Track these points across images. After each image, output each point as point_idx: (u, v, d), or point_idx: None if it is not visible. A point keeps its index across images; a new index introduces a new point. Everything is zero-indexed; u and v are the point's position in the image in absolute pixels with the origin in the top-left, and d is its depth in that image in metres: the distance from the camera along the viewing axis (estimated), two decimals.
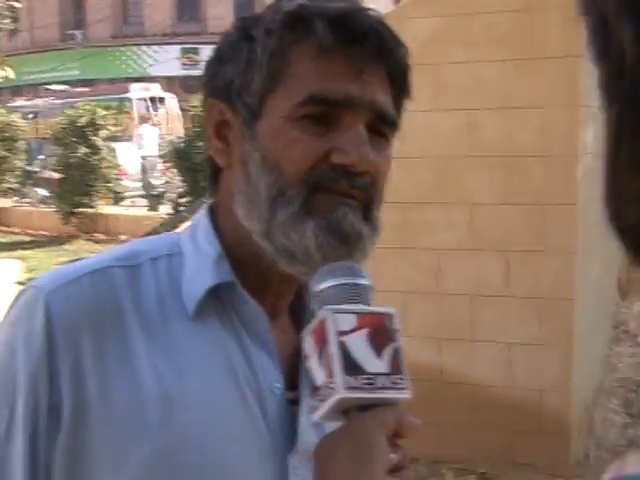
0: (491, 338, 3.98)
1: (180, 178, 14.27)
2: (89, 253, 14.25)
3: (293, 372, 1.03)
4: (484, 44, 3.84)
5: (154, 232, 9.90)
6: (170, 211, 14.33)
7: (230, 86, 1.02)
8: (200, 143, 13.67)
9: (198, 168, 13.63)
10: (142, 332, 0.98)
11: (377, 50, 1.00)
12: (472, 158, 3.92)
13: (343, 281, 0.90)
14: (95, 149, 15.70)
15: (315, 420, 0.89)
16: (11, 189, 18.43)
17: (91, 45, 40.16)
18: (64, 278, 1.01)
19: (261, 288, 1.03)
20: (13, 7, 19.10)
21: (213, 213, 1.07)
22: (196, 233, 1.06)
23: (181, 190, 14.38)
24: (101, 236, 15.62)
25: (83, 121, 15.64)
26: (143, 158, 18.41)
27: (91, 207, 15.91)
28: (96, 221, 15.93)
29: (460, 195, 3.96)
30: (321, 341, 0.87)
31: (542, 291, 3.86)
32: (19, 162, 18.36)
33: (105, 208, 16.31)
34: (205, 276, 1.01)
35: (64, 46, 41.46)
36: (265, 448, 0.99)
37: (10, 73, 18.14)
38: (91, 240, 15.46)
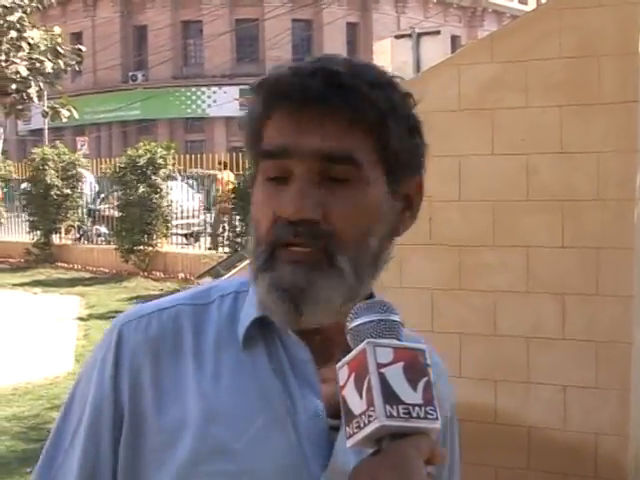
0: (546, 380, 3.99)
1: (239, 218, 14.41)
2: (147, 290, 14.44)
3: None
4: (540, 90, 3.90)
5: (212, 271, 10.04)
6: (228, 250, 14.48)
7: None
8: None
9: None
10: (194, 359, 1.12)
11: (322, 102, 1.04)
12: (528, 202, 3.96)
13: (377, 317, 0.97)
14: (154, 187, 15.96)
15: (349, 446, 0.95)
16: (72, 226, 18.77)
17: (152, 86, 40.87)
18: (138, 313, 1.17)
19: (306, 329, 1.11)
20: (80, 49, 19.64)
21: None
22: None
23: (239, 230, 14.52)
24: (159, 274, 15.82)
25: (143, 160, 15.91)
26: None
27: (150, 245, 16.12)
28: (155, 259, 16.14)
29: (516, 238, 3.99)
30: (360, 372, 0.94)
31: (598, 334, 3.87)
32: (81, 200, 18.71)
33: (164, 246, 16.53)
34: (253, 309, 1.13)
35: (126, 87, 42.26)
36: (297, 467, 1.06)
37: (75, 113, 18.62)
38: (150, 278, 15.67)
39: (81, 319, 12.04)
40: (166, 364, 1.12)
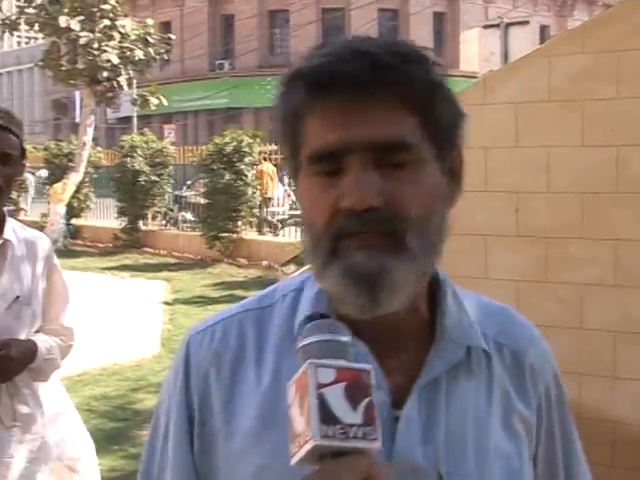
0: (634, 375, 3.94)
1: None
2: (231, 277, 14.64)
3: (405, 393, 1.12)
4: (632, 81, 3.84)
5: (297, 259, 10.10)
6: None
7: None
8: None
9: None
10: (256, 364, 1.15)
11: (363, 87, 1.02)
12: (618, 194, 3.90)
13: (327, 337, 0.98)
14: (240, 175, 16.13)
15: (293, 464, 0.95)
16: (159, 212, 19.11)
17: (238, 75, 41.23)
18: (206, 324, 1.21)
19: (357, 323, 1.09)
20: (169, 38, 19.95)
21: None
22: None
23: None
24: (244, 261, 16.00)
25: (229, 148, 16.09)
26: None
27: (235, 232, 16.31)
28: (239, 246, 16.34)
29: (605, 231, 3.95)
30: (302, 391, 0.95)
31: None
32: (168, 187, 19.03)
33: (249, 234, 16.71)
34: (307, 307, 1.15)
35: (213, 75, 42.72)
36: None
37: (163, 101, 18.93)
38: (234, 264, 15.86)
39: (167, 303, 12.27)
40: (230, 373, 1.16)
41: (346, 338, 1.00)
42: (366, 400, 0.95)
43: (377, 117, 1.03)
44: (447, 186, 1.11)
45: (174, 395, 1.20)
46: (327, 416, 0.93)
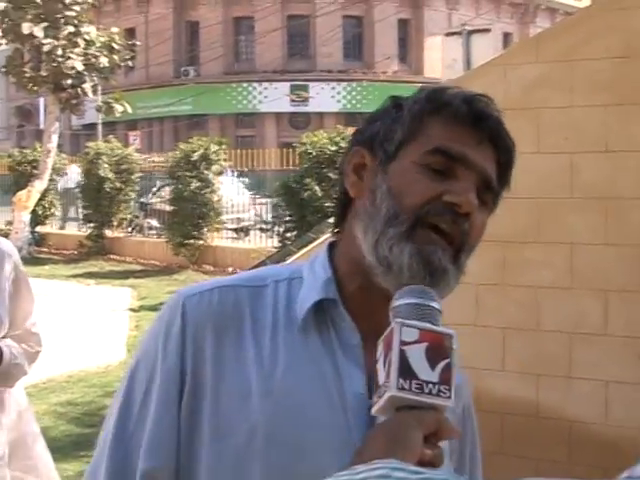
0: (588, 375, 4.04)
1: (288, 212, 14.54)
2: (197, 283, 14.62)
3: None
4: (585, 90, 3.95)
5: (262, 265, 10.17)
6: (277, 244, 14.62)
7: (375, 137, 1.27)
8: (308, 179, 13.96)
9: (305, 203, 13.89)
10: (253, 339, 1.23)
11: (495, 133, 1.25)
12: (573, 200, 4.02)
13: (417, 301, 1.08)
14: (206, 182, 16.14)
15: (373, 413, 1.06)
16: (124, 219, 19.06)
17: (203, 81, 41.15)
18: (201, 288, 1.29)
19: (363, 308, 1.25)
20: (134, 45, 19.91)
21: (331, 248, 1.32)
22: (314, 262, 1.31)
23: (289, 224, 14.65)
24: (209, 267, 16.02)
25: (197, 155, 16.10)
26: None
27: (200, 239, 16.32)
28: (205, 253, 16.35)
29: (560, 235, 4.05)
30: (387, 347, 1.05)
31: None
32: (133, 194, 18.98)
33: (214, 240, 16.72)
34: (314, 293, 1.25)
35: (178, 82, 42.59)
36: (342, 440, 1.18)
37: (128, 108, 18.88)
38: (200, 271, 15.87)
39: (133, 310, 12.28)
40: (227, 338, 1.23)
41: (435, 304, 1.09)
42: (444, 362, 1.03)
43: (489, 159, 1.25)
44: None
45: (165, 350, 1.24)
46: (405, 371, 1.02)
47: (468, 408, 1.40)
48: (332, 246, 1.32)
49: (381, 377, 1.05)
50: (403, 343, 1.03)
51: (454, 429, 1.06)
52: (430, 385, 1.02)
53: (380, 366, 1.05)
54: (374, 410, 1.05)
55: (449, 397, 1.03)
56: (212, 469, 1.20)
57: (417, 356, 1.03)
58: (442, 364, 1.03)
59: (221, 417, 1.20)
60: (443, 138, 1.22)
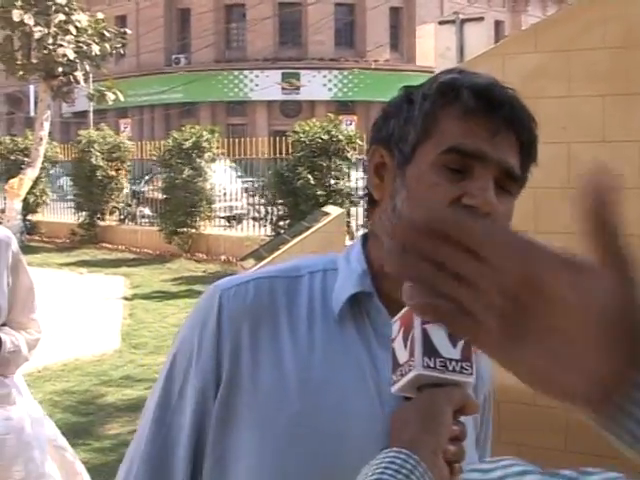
0: None
1: (281, 201, 14.56)
2: (190, 272, 14.65)
3: None
4: (583, 80, 3.97)
5: (256, 252, 10.16)
6: (270, 233, 14.64)
7: (391, 136, 1.26)
8: (300, 168, 13.97)
9: (298, 192, 13.91)
10: (289, 330, 1.25)
11: (510, 119, 1.21)
12: (570, 189, 4.04)
13: None
14: (199, 170, 16.14)
15: (393, 392, 1.07)
16: (117, 208, 19.04)
17: (195, 69, 41.07)
18: (237, 281, 1.30)
19: (398, 301, 1.25)
20: (125, 32, 19.84)
21: (366, 240, 1.33)
22: (350, 254, 1.32)
23: (281, 213, 14.67)
24: (202, 255, 16.03)
25: (189, 144, 16.09)
26: None
27: (193, 227, 16.32)
28: (198, 241, 16.35)
29: (557, 225, 4.07)
30: (407, 326, 1.06)
31: None
32: (125, 182, 18.96)
33: (207, 229, 16.72)
34: (350, 286, 1.26)
35: (169, 70, 42.50)
36: (380, 429, 1.18)
37: (120, 96, 18.84)
38: (192, 259, 15.88)
39: (126, 299, 12.28)
40: (263, 329, 1.25)
41: None
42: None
43: (508, 148, 1.21)
44: None
45: (202, 342, 1.26)
46: (429, 349, 1.03)
47: (487, 398, 1.41)
48: (366, 238, 1.33)
49: (402, 356, 1.06)
50: (425, 322, 1.04)
51: (478, 405, 1.09)
52: (453, 362, 1.04)
53: (398, 345, 1.07)
54: (395, 389, 1.06)
55: (471, 374, 1.05)
56: (251, 460, 1.22)
57: (439, 334, 1.04)
58: (462, 341, 1.05)
59: (260, 408, 1.22)
60: (457, 135, 1.20)
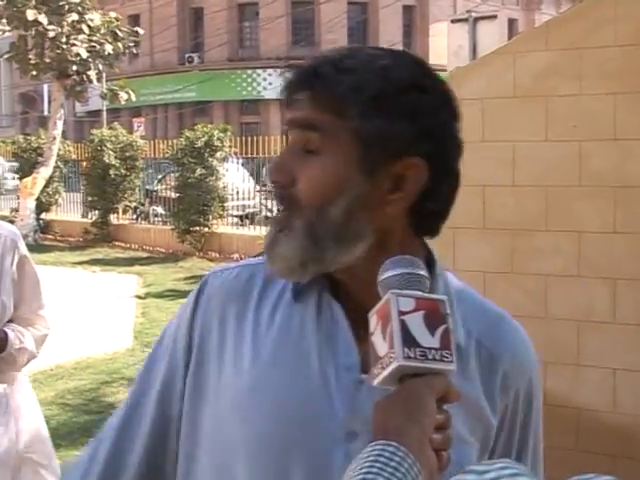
0: (596, 363, 4.05)
1: None
2: (203, 270, 14.63)
3: None
4: (594, 78, 3.95)
5: None
6: None
7: None
8: None
9: None
10: (255, 310, 1.29)
11: (293, 85, 1.24)
12: (581, 187, 4.01)
13: (404, 271, 1.08)
14: (211, 170, 16.14)
15: (375, 385, 1.06)
16: (129, 207, 19.07)
17: (208, 68, 41.08)
18: (228, 266, 1.37)
19: (352, 287, 1.26)
20: (137, 32, 19.89)
21: None
22: None
23: None
24: (215, 254, 16.04)
25: (201, 142, 16.09)
26: None
27: (206, 226, 16.33)
28: (210, 240, 16.36)
29: (569, 223, 4.05)
30: (385, 319, 1.05)
31: None
32: (138, 181, 18.99)
33: (220, 227, 16.73)
34: None
35: (182, 69, 42.53)
36: (325, 415, 1.20)
37: (132, 96, 18.89)
38: (205, 258, 15.89)
39: (139, 297, 12.30)
40: (232, 308, 1.30)
41: (423, 272, 1.09)
42: (442, 327, 1.05)
43: (304, 106, 1.21)
44: (376, 191, 1.19)
45: (181, 321, 1.35)
46: (409, 339, 1.03)
47: (525, 393, 1.32)
48: None
49: (382, 349, 1.05)
50: (401, 313, 1.04)
51: (459, 392, 1.07)
52: (433, 351, 1.03)
53: (377, 339, 1.06)
54: (376, 381, 1.05)
55: (451, 362, 1.04)
56: (208, 434, 1.28)
57: (417, 324, 1.04)
58: (440, 330, 1.04)
59: (221, 385, 1.27)
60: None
